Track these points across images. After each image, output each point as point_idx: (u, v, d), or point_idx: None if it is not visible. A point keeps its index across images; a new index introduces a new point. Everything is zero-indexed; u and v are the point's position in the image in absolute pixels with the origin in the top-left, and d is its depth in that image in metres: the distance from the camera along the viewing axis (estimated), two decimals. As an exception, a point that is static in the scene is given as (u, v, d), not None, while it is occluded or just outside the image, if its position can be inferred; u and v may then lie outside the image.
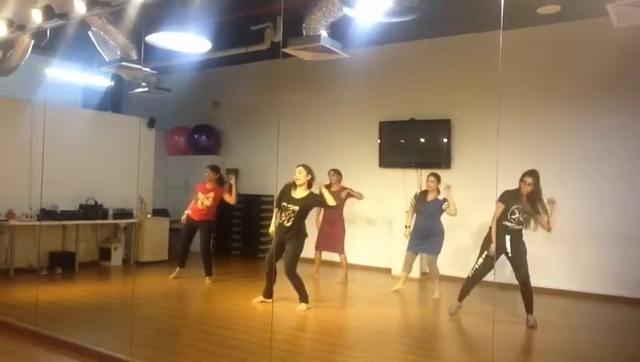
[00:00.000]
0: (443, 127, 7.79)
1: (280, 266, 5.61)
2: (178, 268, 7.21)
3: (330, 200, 5.58)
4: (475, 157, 7.49)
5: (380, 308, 5.97)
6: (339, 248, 7.32)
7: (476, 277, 5.43)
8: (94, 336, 4.44)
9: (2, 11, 5.35)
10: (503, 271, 5.98)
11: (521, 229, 5.38)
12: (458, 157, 7.74)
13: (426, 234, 6.51)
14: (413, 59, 8.15)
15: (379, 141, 8.31)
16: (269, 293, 5.72)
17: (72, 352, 4.14)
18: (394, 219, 7.89)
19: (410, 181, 7.89)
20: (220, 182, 7.33)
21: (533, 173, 5.25)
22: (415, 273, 7.54)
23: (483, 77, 7.08)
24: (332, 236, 7.27)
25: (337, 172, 7.32)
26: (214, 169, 7.20)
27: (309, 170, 5.60)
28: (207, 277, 7.08)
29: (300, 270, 5.70)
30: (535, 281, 6.87)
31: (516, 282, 5.35)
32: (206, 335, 4.69)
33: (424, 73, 8.06)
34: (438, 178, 6.57)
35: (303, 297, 5.66)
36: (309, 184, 5.59)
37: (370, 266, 8.17)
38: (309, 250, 7.50)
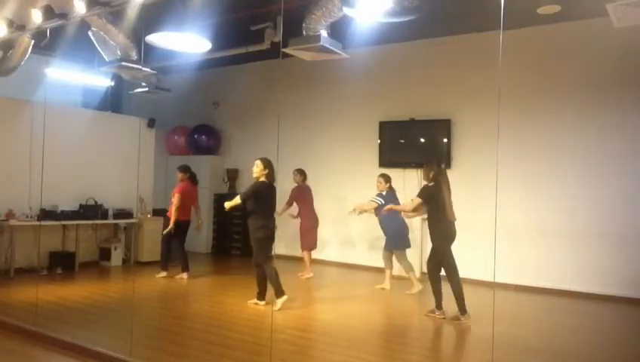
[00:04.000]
0: (443, 127, 7.79)
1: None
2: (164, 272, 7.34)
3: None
4: (475, 157, 7.49)
5: (378, 308, 5.97)
6: (313, 245, 7.59)
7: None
8: (94, 336, 4.44)
9: (2, 11, 5.35)
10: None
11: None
12: (458, 157, 7.74)
13: None
14: (413, 59, 8.15)
15: (379, 141, 8.31)
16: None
17: (72, 352, 4.14)
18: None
19: (410, 181, 7.88)
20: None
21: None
22: (415, 273, 7.54)
23: (483, 77, 7.07)
24: (312, 233, 7.55)
25: (300, 172, 7.56)
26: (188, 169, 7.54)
27: (265, 165, 5.76)
28: (185, 274, 7.23)
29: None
30: (536, 282, 6.93)
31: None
32: (206, 335, 4.69)
33: (424, 73, 8.06)
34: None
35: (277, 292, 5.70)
36: (267, 177, 5.74)
37: (371, 266, 8.17)
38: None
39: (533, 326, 5.40)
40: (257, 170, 5.78)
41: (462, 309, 5.24)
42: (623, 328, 5.61)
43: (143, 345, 4.14)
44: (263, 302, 5.72)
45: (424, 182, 5.65)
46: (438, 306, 5.42)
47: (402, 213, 6.32)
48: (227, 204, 5.77)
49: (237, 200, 5.69)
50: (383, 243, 6.93)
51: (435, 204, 5.41)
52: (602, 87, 6.77)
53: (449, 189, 5.43)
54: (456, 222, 5.51)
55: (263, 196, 5.70)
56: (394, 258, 6.84)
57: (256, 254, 5.69)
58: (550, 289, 6.78)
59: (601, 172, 6.74)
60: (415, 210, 5.75)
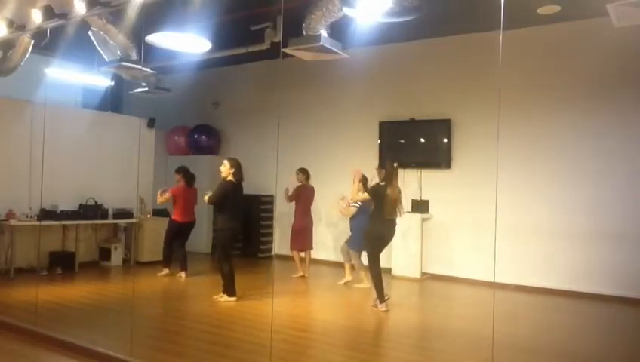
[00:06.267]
0: (443, 127, 7.79)
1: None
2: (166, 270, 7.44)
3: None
4: (475, 157, 7.49)
5: (377, 308, 5.96)
6: (308, 245, 7.58)
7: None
8: (94, 336, 4.44)
9: (2, 11, 5.35)
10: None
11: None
12: (458, 157, 7.74)
13: None
14: (413, 59, 8.14)
15: (379, 141, 8.31)
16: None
17: (72, 352, 4.14)
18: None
19: (410, 181, 7.88)
20: None
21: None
22: (415, 273, 7.54)
23: (483, 77, 7.07)
24: (303, 233, 7.53)
25: (303, 171, 7.59)
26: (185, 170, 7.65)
27: (232, 164, 5.90)
28: (184, 272, 7.33)
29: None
30: (536, 281, 6.93)
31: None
32: (206, 335, 4.69)
33: (424, 73, 8.05)
34: None
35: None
36: (234, 176, 5.90)
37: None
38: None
39: (533, 326, 5.41)
40: (224, 169, 5.93)
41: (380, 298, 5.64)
42: (623, 328, 5.60)
43: (143, 345, 4.13)
44: (233, 298, 5.91)
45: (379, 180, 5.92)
46: (381, 299, 5.65)
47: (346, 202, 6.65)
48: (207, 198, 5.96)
49: (206, 199, 5.92)
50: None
51: (378, 203, 5.70)
52: (602, 87, 6.77)
53: (398, 189, 5.77)
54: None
55: (230, 195, 5.86)
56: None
57: (220, 252, 5.99)
58: (550, 289, 6.78)
59: (601, 172, 6.74)
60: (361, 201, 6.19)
